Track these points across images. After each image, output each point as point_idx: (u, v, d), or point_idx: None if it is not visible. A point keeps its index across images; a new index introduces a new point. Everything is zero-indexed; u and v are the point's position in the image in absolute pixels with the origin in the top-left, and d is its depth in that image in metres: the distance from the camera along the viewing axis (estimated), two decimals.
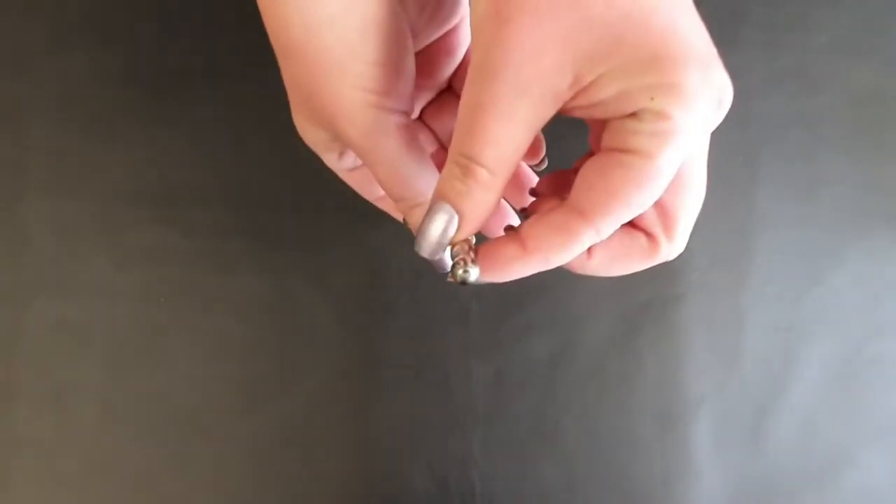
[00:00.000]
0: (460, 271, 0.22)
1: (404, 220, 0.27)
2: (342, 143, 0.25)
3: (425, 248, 0.22)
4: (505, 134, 0.20)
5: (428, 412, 0.40)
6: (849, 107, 0.42)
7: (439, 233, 0.22)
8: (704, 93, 0.19)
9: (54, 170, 0.39)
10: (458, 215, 0.21)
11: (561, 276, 0.30)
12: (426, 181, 0.24)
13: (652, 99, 0.19)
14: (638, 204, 0.20)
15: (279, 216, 0.40)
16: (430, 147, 0.30)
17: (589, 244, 0.22)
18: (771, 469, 0.41)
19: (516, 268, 0.22)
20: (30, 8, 0.39)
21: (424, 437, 0.40)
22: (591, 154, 0.27)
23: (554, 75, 0.19)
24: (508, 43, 0.19)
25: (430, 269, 0.39)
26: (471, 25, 0.20)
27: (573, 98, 0.20)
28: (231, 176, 0.40)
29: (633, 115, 0.19)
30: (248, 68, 0.40)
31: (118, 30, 0.40)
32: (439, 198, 0.22)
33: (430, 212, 0.22)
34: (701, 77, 0.19)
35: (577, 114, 0.20)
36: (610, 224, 0.21)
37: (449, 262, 0.23)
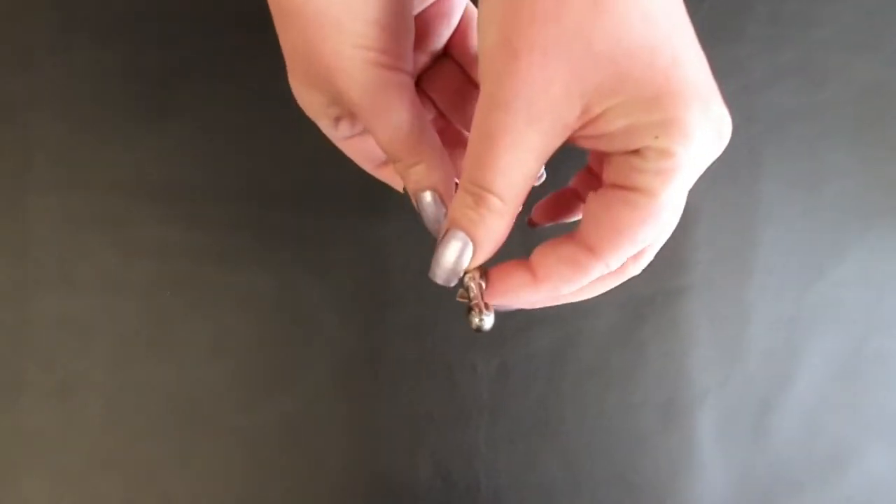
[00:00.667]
0: (476, 319, 0.23)
1: (405, 189, 0.27)
2: (340, 108, 0.25)
3: (440, 276, 0.23)
4: (516, 163, 0.20)
5: (432, 406, 0.40)
6: (853, 101, 0.42)
7: (454, 260, 0.22)
8: (705, 129, 0.19)
9: (58, 165, 0.39)
10: (471, 243, 0.22)
11: None
12: (427, 139, 0.25)
13: (656, 137, 0.19)
14: (644, 239, 0.21)
15: (283, 212, 0.40)
16: (428, 115, 0.30)
17: (597, 276, 0.22)
18: (775, 463, 0.41)
19: (525, 295, 0.23)
20: (33, 6, 0.39)
21: (429, 431, 0.40)
22: (588, 170, 0.27)
23: (563, 107, 0.19)
24: (519, 75, 0.19)
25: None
26: (479, 55, 0.20)
27: (581, 128, 0.20)
28: (235, 171, 0.40)
29: (636, 151, 0.20)
30: (250, 64, 0.40)
31: (120, 27, 0.40)
32: (452, 225, 0.22)
33: (443, 239, 0.22)
34: (702, 113, 0.19)
35: (583, 143, 0.21)
36: (618, 259, 0.21)
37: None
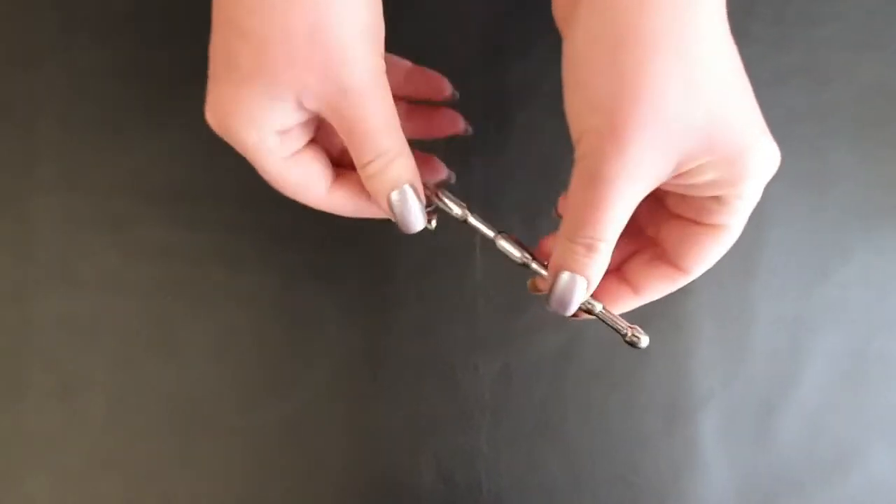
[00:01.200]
0: (630, 334, 0.28)
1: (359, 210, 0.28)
2: (298, 114, 0.25)
3: (557, 309, 0.27)
4: (620, 215, 0.24)
5: (435, 407, 0.40)
6: (857, 101, 0.41)
7: (570, 297, 0.26)
8: (766, 170, 0.24)
9: (62, 165, 0.39)
10: (585, 279, 0.26)
11: None
12: (401, 132, 0.27)
13: (734, 186, 0.24)
14: (721, 255, 0.27)
15: (286, 212, 0.40)
16: None
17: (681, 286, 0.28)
18: (779, 463, 0.41)
19: (628, 305, 0.29)
20: (37, 4, 0.39)
21: (431, 433, 0.40)
22: None
23: (660, 168, 0.23)
24: (625, 154, 0.22)
25: (436, 264, 0.39)
26: (579, 134, 0.24)
27: (671, 178, 0.24)
28: (238, 172, 0.39)
29: (716, 197, 0.25)
30: None
31: (121, 27, 0.40)
32: (563, 269, 0.26)
33: (557, 282, 0.26)
34: (764, 159, 0.24)
35: (667, 188, 0.25)
36: (702, 272, 0.27)
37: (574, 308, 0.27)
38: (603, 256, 0.25)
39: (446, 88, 0.33)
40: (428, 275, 0.40)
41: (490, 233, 0.29)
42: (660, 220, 0.28)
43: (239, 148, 0.26)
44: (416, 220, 0.27)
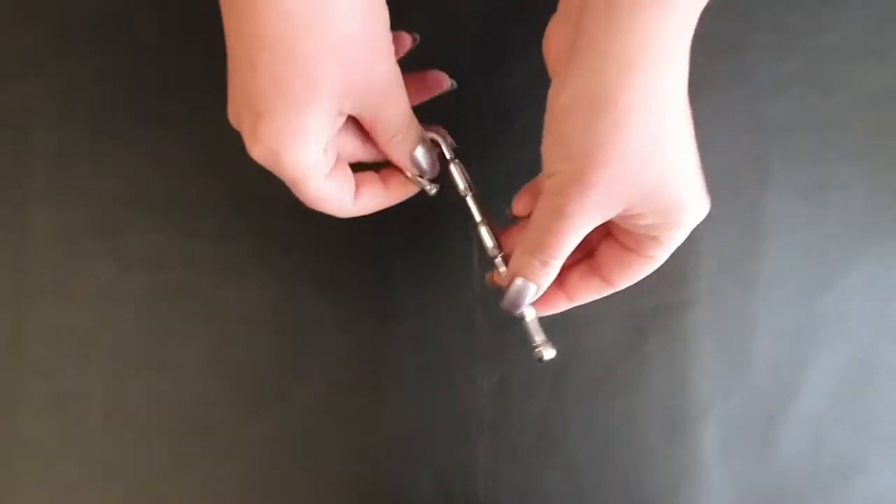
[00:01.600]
0: (538, 350, 0.33)
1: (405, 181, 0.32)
2: (339, 119, 0.27)
3: (509, 310, 0.32)
4: (573, 242, 0.29)
5: (433, 419, 0.40)
6: (859, 109, 0.41)
7: (523, 300, 0.31)
8: (696, 221, 0.29)
9: (58, 173, 0.39)
10: (536, 286, 0.31)
11: None
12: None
13: (668, 231, 0.29)
14: (644, 276, 0.32)
15: (284, 221, 0.40)
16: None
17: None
18: (780, 476, 0.41)
19: (561, 307, 0.34)
20: (34, 11, 0.39)
21: (428, 445, 0.40)
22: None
23: (610, 211, 0.28)
24: (588, 199, 0.27)
25: (434, 275, 0.39)
26: (550, 175, 0.28)
27: (618, 217, 0.28)
28: (236, 179, 0.40)
29: (653, 237, 0.30)
30: None
31: (122, 32, 0.40)
32: (518, 276, 0.31)
33: (512, 285, 0.31)
34: (694, 214, 0.29)
35: (613, 222, 0.29)
36: (625, 286, 0.33)
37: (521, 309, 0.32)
38: (554, 270, 0.30)
39: (407, 40, 0.34)
40: (426, 286, 0.40)
41: (478, 217, 0.33)
42: (600, 240, 0.33)
43: (288, 173, 0.28)
44: (435, 167, 0.32)
